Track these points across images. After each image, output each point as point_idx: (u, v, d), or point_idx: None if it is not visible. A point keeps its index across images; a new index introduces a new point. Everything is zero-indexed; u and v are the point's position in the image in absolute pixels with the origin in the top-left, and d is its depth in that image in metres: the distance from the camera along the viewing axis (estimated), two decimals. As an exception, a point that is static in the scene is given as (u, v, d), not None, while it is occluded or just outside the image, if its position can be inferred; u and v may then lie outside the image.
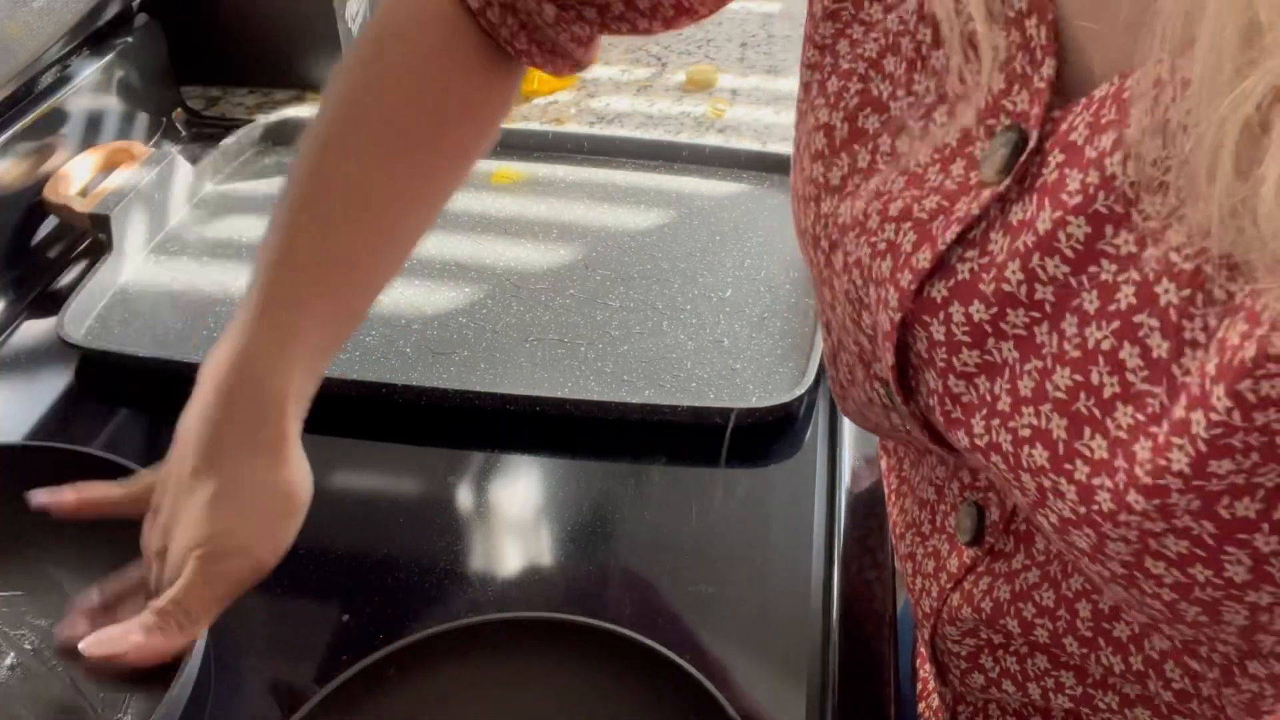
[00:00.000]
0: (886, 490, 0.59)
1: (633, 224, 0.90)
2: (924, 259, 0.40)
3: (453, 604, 0.62)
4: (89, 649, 0.50)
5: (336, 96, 0.57)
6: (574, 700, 0.55)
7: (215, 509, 0.51)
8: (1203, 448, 0.32)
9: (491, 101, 0.61)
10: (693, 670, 0.52)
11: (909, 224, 0.41)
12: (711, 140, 1.02)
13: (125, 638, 0.49)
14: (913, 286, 0.40)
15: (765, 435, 0.72)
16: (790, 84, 0.93)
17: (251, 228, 0.90)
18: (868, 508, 0.67)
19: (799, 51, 0.48)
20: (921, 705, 0.61)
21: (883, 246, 0.42)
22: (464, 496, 0.69)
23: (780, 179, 0.94)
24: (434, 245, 0.87)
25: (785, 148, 0.98)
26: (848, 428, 0.73)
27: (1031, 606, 0.45)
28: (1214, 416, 0.31)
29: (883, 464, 0.60)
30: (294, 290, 0.53)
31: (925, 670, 0.61)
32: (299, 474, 0.53)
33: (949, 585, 0.50)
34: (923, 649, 0.62)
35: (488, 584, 0.63)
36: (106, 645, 0.49)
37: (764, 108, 1.08)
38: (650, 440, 0.71)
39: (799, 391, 0.71)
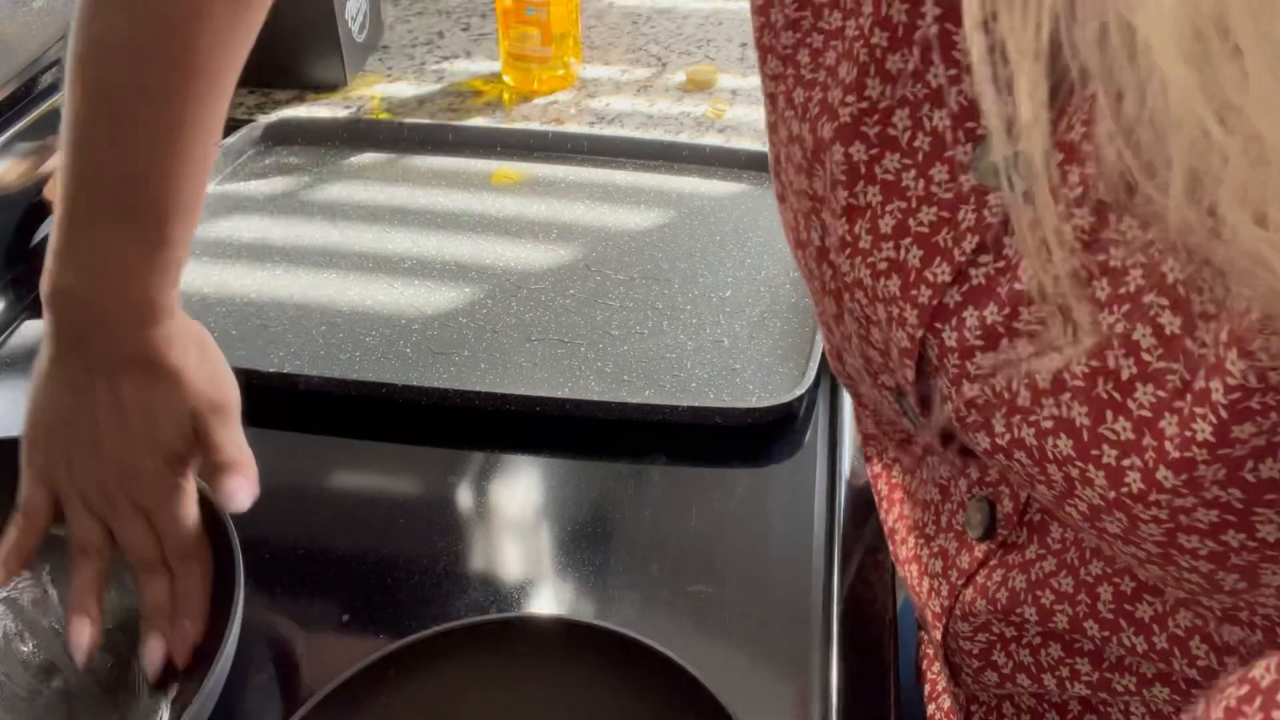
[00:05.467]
0: (877, 499, 0.59)
1: (633, 224, 0.90)
2: (943, 273, 0.40)
3: (453, 604, 0.62)
4: (157, 665, 0.56)
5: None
6: (574, 700, 0.55)
7: (187, 369, 0.58)
8: (1224, 414, 0.32)
9: None
10: (693, 671, 0.52)
11: (909, 239, 0.40)
12: (711, 140, 1.02)
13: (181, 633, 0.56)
14: (934, 301, 0.40)
15: (765, 435, 0.72)
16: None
17: (252, 228, 0.90)
18: (868, 507, 0.67)
19: None
20: (931, 707, 0.61)
21: (883, 266, 0.41)
22: (464, 496, 0.69)
23: (780, 179, 0.94)
24: (434, 245, 0.87)
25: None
26: (848, 428, 0.73)
27: (1050, 593, 0.45)
28: (1231, 381, 0.32)
29: (869, 470, 0.60)
30: (127, 204, 0.57)
31: (934, 672, 0.61)
32: (197, 325, 0.61)
33: (960, 582, 0.50)
34: (930, 650, 0.62)
35: (488, 584, 0.63)
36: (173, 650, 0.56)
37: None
38: (650, 440, 0.71)
39: (799, 391, 0.71)
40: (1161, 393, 0.34)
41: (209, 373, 0.59)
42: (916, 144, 0.40)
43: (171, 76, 0.55)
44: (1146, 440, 0.35)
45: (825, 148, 0.43)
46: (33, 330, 0.80)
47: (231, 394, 0.59)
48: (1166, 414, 0.34)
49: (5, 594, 0.60)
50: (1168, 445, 0.34)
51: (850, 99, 0.41)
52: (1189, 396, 0.33)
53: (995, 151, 0.28)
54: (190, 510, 0.57)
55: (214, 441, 0.57)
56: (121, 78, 0.55)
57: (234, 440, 0.58)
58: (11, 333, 0.80)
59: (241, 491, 0.57)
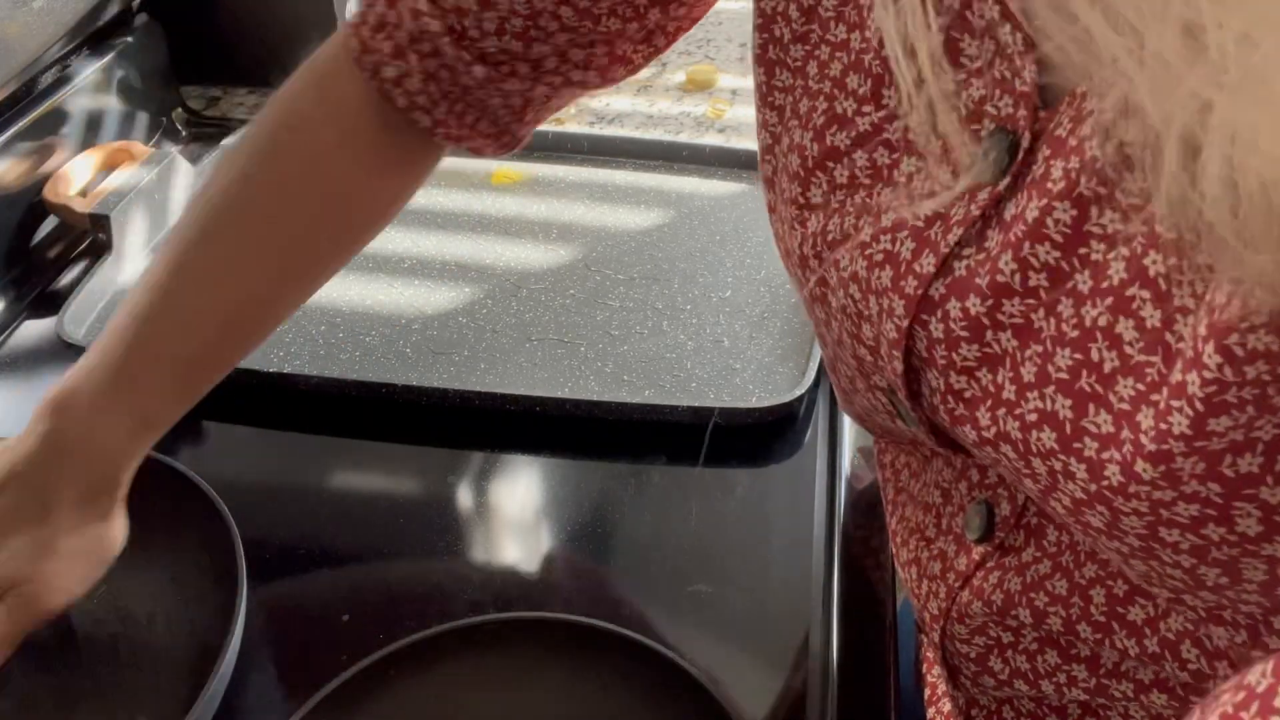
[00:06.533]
0: (884, 501, 0.59)
1: (633, 224, 0.90)
2: (929, 264, 0.41)
3: (453, 604, 0.62)
4: None
5: (225, 190, 0.56)
6: (574, 700, 0.55)
7: (41, 551, 0.52)
8: (1200, 407, 0.32)
9: (394, 196, 0.60)
10: (693, 670, 0.52)
11: (905, 233, 0.42)
12: (711, 140, 1.02)
13: None
14: (919, 292, 0.41)
15: (765, 435, 0.72)
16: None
17: (251, 228, 0.90)
18: (868, 508, 0.67)
19: None
20: (931, 710, 0.61)
21: (879, 258, 0.43)
22: (464, 496, 0.69)
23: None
24: (434, 245, 0.87)
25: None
26: (848, 428, 0.73)
27: (1044, 595, 0.46)
28: (1207, 375, 0.32)
29: (879, 476, 0.60)
30: (145, 372, 0.55)
31: (934, 675, 0.61)
32: (119, 529, 0.55)
33: (958, 584, 0.50)
34: (930, 653, 0.63)
35: (488, 584, 0.63)
36: None
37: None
38: (650, 440, 0.71)
39: (799, 391, 0.71)
40: (1140, 385, 0.35)
41: (57, 562, 0.53)
42: (931, 147, 0.41)
43: (235, 295, 0.56)
44: (1124, 434, 0.35)
45: (839, 156, 0.44)
46: (33, 330, 0.80)
47: (48, 599, 0.52)
48: (1144, 407, 0.35)
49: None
50: (1143, 439, 0.35)
51: (868, 109, 0.43)
52: (1165, 390, 0.34)
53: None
54: None
55: None
56: (185, 274, 0.55)
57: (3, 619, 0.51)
58: (11, 333, 0.80)
59: None
